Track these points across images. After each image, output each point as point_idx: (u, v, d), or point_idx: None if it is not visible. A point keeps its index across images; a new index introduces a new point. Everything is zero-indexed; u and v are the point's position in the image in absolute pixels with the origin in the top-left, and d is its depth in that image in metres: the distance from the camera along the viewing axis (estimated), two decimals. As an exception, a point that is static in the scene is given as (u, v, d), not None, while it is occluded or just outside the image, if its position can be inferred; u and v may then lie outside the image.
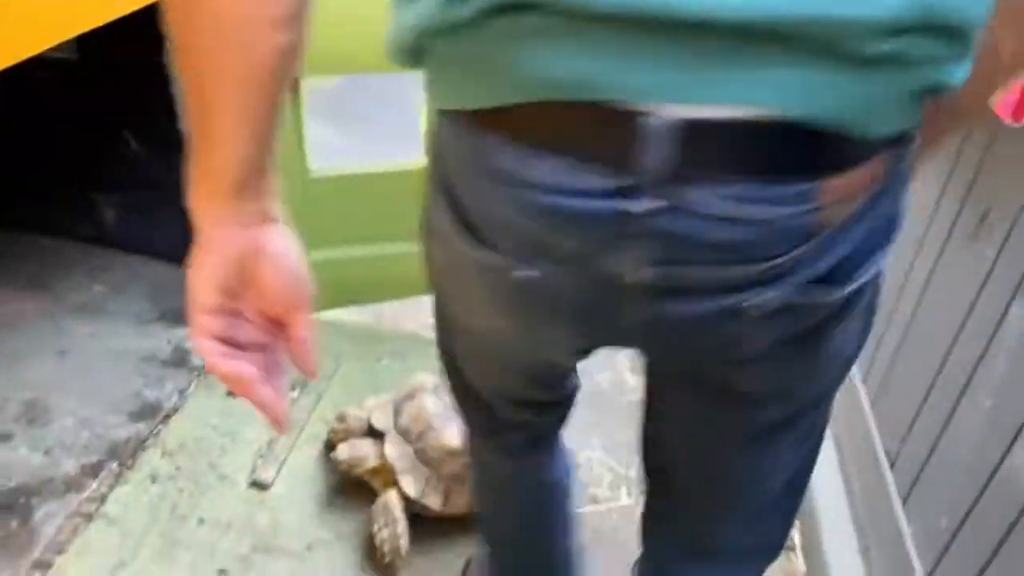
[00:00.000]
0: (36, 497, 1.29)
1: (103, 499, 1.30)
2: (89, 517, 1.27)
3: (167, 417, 1.48)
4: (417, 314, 1.77)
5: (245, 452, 1.42)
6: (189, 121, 0.49)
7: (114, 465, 1.36)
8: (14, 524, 1.24)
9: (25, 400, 1.48)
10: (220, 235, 0.50)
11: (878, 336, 1.37)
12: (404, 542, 1.22)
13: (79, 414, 1.46)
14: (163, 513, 1.30)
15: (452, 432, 1.25)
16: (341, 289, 1.77)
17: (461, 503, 1.26)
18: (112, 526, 1.26)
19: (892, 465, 1.22)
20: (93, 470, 1.35)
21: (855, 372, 1.44)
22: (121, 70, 1.64)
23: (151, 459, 1.39)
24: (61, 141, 1.78)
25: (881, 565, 1.20)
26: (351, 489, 1.34)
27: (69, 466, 1.35)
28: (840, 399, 1.50)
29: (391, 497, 1.25)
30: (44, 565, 1.19)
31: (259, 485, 1.36)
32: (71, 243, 1.93)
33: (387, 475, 1.28)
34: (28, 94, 1.69)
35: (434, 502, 1.25)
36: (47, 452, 1.38)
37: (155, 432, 1.44)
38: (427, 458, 1.26)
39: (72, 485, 1.32)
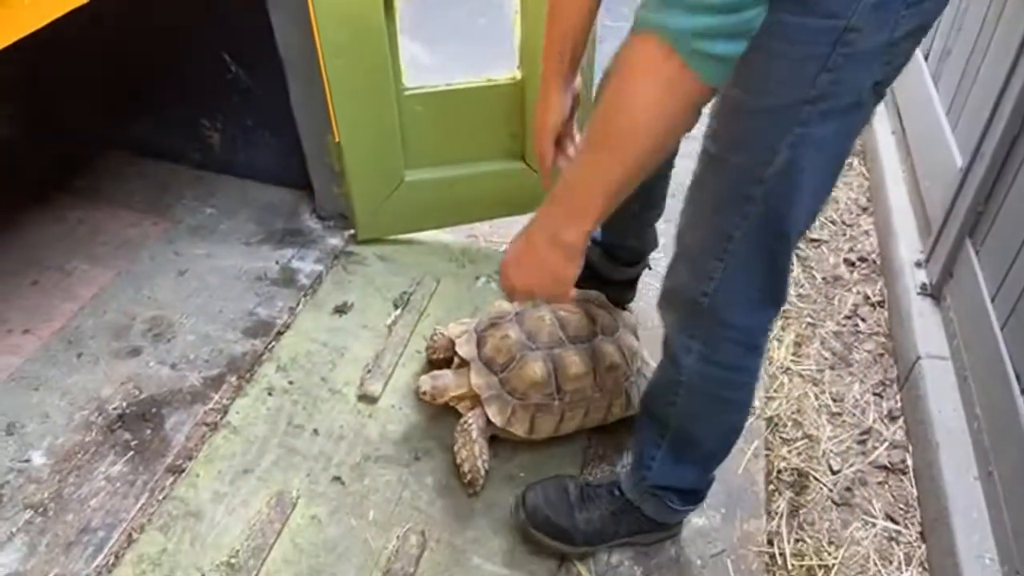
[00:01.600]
0: (166, 407, 1.39)
1: (225, 410, 1.39)
2: (214, 426, 1.36)
3: (279, 334, 1.55)
4: (510, 234, 1.75)
5: (353, 367, 1.48)
6: None
7: (233, 378, 1.45)
8: (148, 432, 1.35)
9: (150, 317, 1.58)
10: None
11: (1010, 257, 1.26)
12: (482, 463, 1.26)
13: (200, 330, 1.55)
14: (280, 424, 1.38)
15: (535, 365, 1.28)
16: (439, 210, 1.78)
17: (546, 429, 1.29)
18: (235, 435, 1.35)
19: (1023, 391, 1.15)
20: (215, 383, 1.44)
21: (986, 296, 1.34)
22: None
23: (267, 373, 1.47)
24: (174, 67, 1.83)
25: (1006, 489, 1.14)
26: (454, 404, 1.38)
27: (193, 378, 1.45)
28: (968, 322, 1.41)
29: (470, 419, 1.28)
30: (177, 470, 1.29)
31: (367, 399, 1.42)
32: (182, 167, 2.01)
33: (472, 400, 1.32)
34: (142, 19, 1.74)
35: (519, 429, 1.28)
36: (173, 366, 1.48)
37: (269, 348, 1.52)
38: (512, 388, 1.28)
39: (197, 396, 1.41)
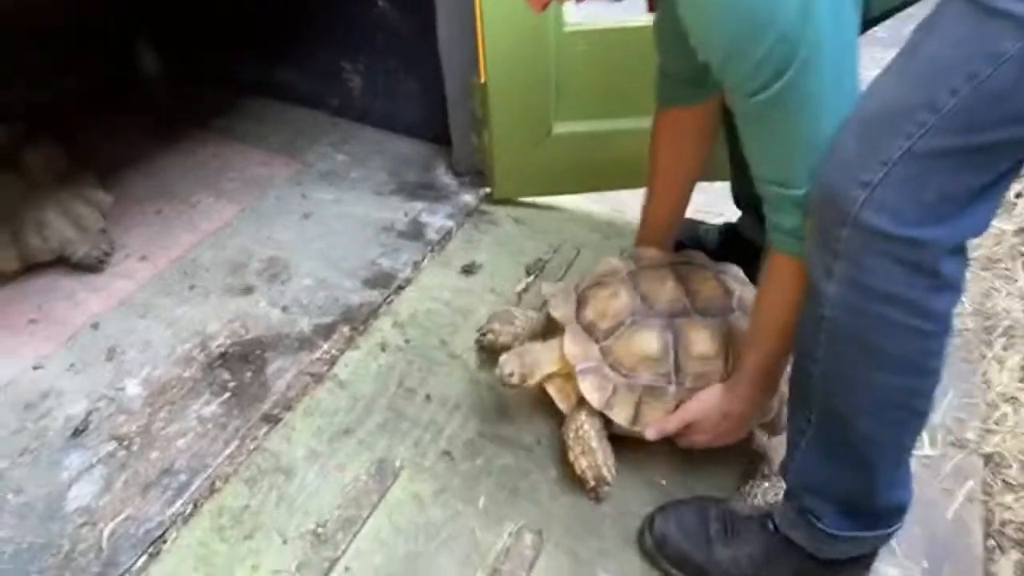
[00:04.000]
0: (271, 351, 1.26)
1: (333, 361, 1.24)
2: (319, 378, 1.21)
3: (400, 288, 1.39)
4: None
5: (475, 333, 1.29)
6: None
7: (346, 329, 1.30)
8: (248, 375, 1.22)
9: (268, 257, 1.46)
10: None
11: None
12: (607, 469, 1.00)
13: (317, 275, 1.41)
14: (391, 384, 1.20)
15: (649, 335, 1.00)
16: (586, 171, 1.56)
17: (655, 419, 1.00)
18: (341, 389, 1.19)
19: None
20: (325, 331, 1.29)
21: None
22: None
23: (382, 327, 1.30)
24: (319, 4, 1.73)
25: None
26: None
27: (304, 324, 1.31)
28: None
29: (582, 422, 1.02)
30: (273, 419, 1.14)
31: (490, 369, 1.23)
32: (320, 113, 1.91)
33: (565, 382, 1.05)
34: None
35: (622, 415, 1.00)
36: (284, 309, 1.34)
37: (387, 301, 1.36)
38: (616, 361, 1.01)
39: (305, 344, 1.27)
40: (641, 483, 1.06)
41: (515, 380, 1.03)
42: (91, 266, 1.41)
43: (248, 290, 1.38)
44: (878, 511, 0.83)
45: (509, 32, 1.36)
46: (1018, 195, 1.65)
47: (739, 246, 1.30)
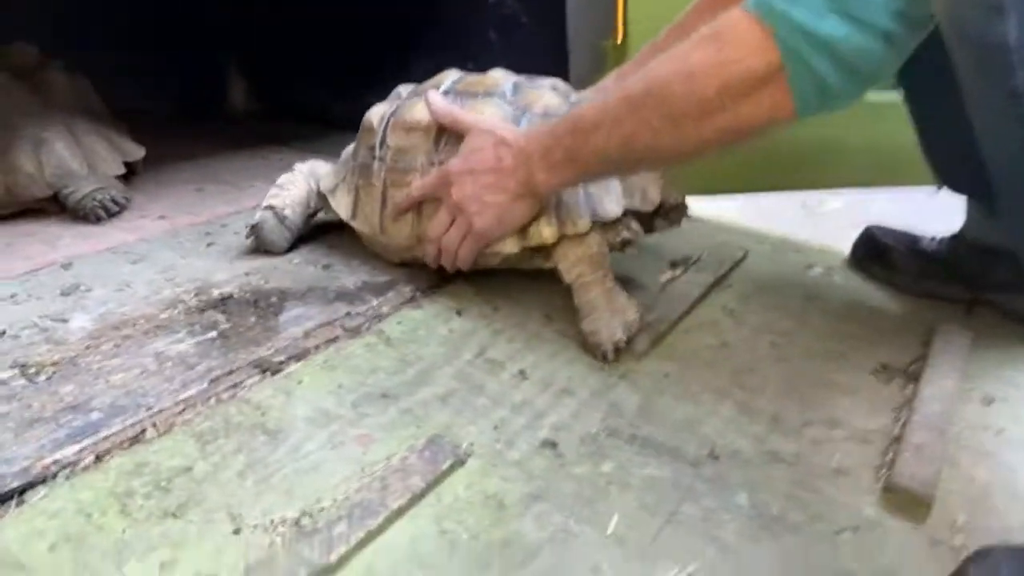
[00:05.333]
0: (293, 300, 0.83)
1: (381, 317, 0.80)
2: (355, 332, 0.77)
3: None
4: (863, 221, 1.09)
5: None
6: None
7: (407, 288, 0.87)
8: (251, 319, 0.79)
9: (321, 226, 1.09)
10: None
11: None
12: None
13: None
14: (465, 351, 0.75)
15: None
16: (748, 164, 1.18)
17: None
18: (387, 347, 0.75)
19: None
20: (378, 288, 0.86)
21: None
22: None
23: (461, 291, 0.87)
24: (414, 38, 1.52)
25: None
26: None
27: (348, 281, 0.89)
28: None
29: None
30: (269, 368, 0.70)
31: (624, 352, 0.77)
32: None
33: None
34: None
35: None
36: (326, 267, 0.93)
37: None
38: None
39: (344, 296, 0.84)
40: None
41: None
42: (91, 212, 1.07)
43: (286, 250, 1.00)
44: None
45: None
46: None
47: (971, 254, 0.89)
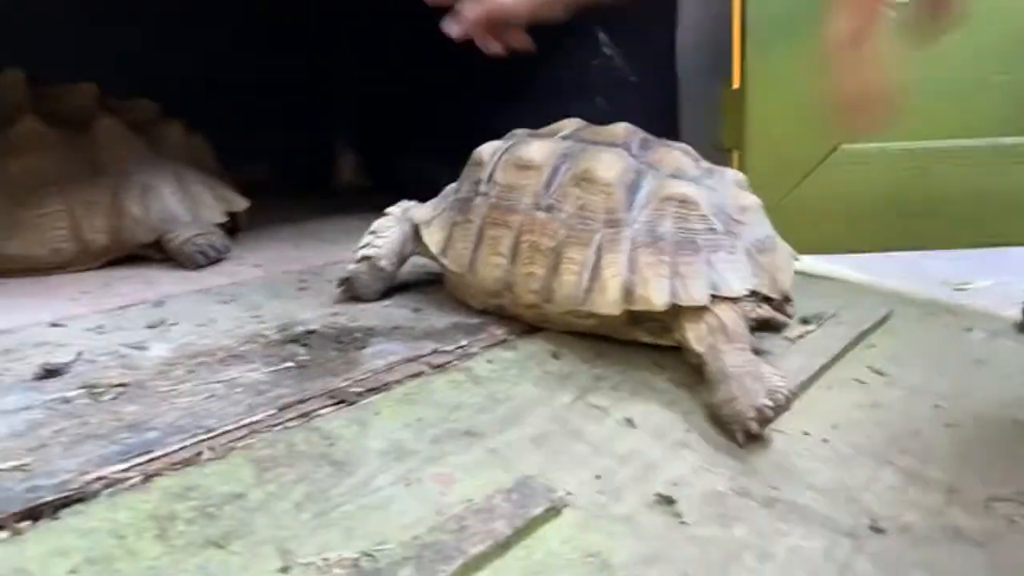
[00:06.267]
0: (379, 336, 0.77)
1: (470, 355, 0.72)
2: (441, 368, 0.69)
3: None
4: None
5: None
6: None
7: (499, 331, 0.78)
8: (332, 352, 0.73)
9: (423, 278, 1.03)
10: None
11: None
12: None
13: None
14: (562, 394, 0.66)
15: None
16: (888, 215, 1.06)
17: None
18: (474, 385, 0.66)
19: None
20: (470, 329, 0.79)
21: None
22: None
23: (554, 334, 0.79)
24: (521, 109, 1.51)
25: None
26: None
27: (438, 322, 0.82)
28: None
29: None
30: (345, 398, 0.62)
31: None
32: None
33: None
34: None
35: None
36: (417, 310, 0.87)
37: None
38: None
39: (433, 335, 0.77)
40: None
41: None
42: (190, 257, 1.06)
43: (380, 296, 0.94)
44: None
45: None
46: None
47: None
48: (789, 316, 0.82)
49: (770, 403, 0.60)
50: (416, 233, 0.92)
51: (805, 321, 0.87)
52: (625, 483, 0.54)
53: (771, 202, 1.06)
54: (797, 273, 1.00)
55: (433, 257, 0.89)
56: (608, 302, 0.71)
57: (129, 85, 1.25)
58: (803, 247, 1.06)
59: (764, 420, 0.60)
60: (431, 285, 0.97)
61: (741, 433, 0.60)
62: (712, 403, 0.64)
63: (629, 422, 0.62)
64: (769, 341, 0.81)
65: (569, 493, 0.52)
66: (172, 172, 1.11)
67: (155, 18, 1.61)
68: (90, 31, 1.47)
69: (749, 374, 0.64)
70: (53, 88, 1.14)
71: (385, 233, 0.93)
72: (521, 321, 0.81)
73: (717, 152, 1.14)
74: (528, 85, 1.49)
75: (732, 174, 0.83)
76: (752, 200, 0.80)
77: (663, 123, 1.23)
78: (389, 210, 0.97)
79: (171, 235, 1.07)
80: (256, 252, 1.20)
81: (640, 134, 0.85)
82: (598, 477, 0.54)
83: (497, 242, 0.81)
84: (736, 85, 1.07)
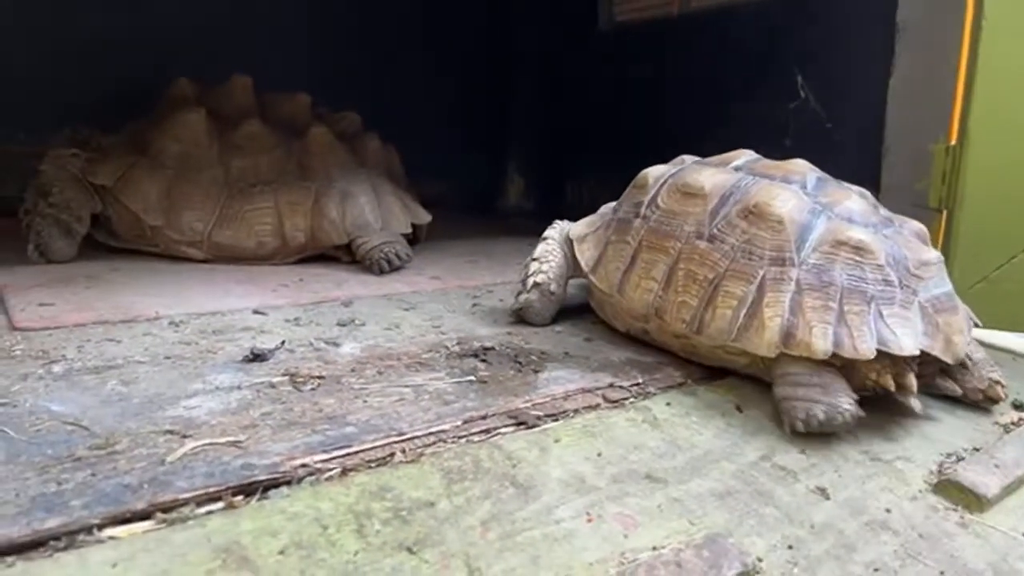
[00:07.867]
0: (555, 363, 0.77)
1: (647, 395, 0.70)
2: (617, 404, 0.68)
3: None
4: None
5: (930, 448, 0.67)
6: None
7: (678, 373, 0.77)
8: (511, 372, 0.74)
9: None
10: None
11: None
12: None
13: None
14: (748, 451, 0.62)
15: None
16: None
17: None
18: (651, 427, 0.64)
19: None
20: (647, 368, 0.77)
21: None
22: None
23: (745, 387, 0.75)
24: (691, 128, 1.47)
25: None
26: None
27: (615, 355, 0.81)
28: None
29: None
30: (525, 421, 0.62)
31: (964, 497, 0.59)
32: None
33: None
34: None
35: None
36: (588, 340, 0.86)
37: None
38: None
39: (609, 367, 0.76)
40: None
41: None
42: (377, 263, 1.12)
43: (557, 318, 0.95)
44: None
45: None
46: None
47: None
48: (977, 396, 0.75)
49: (823, 419, 0.64)
50: (572, 248, 0.93)
51: (1019, 407, 0.79)
52: (821, 558, 0.50)
53: (983, 268, 0.98)
54: (1010, 353, 0.91)
55: (583, 274, 0.89)
56: (764, 342, 0.68)
57: (333, 100, 1.35)
58: (1020, 324, 0.96)
59: (810, 433, 0.64)
60: (591, 312, 0.96)
61: (788, 425, 0.65)
62: (775, 392, 0.69)
63: (822, 491, 0.58)
64: (975, 422, 0.73)
65: (759, 559, 0.49)
66: (368, 182, 1.18)
67: (372, 43, 1.74)
68: (311, 50, 1.61)
69: (818, 385, 0.66)
70: (270, 95, 1.25)
71: (550, 258, 0.94)
72: (669, 351, 0.80)
73: (919, 210, 1.06)
74: (710, 122, 1.46)
75: (914, 225, 0.78)
76: (934, 255, 0.73)
77: (860, 174, 1.17)
78: (547, 234, 0.97)
79: (362, 240, 1.13)
80: (433, 264, 1.25)
81: (817, 172, 0.81)
82: (791, 547, 0.51)
83: (651, 266, 0.80)
84: (953, 141, 0.99)
